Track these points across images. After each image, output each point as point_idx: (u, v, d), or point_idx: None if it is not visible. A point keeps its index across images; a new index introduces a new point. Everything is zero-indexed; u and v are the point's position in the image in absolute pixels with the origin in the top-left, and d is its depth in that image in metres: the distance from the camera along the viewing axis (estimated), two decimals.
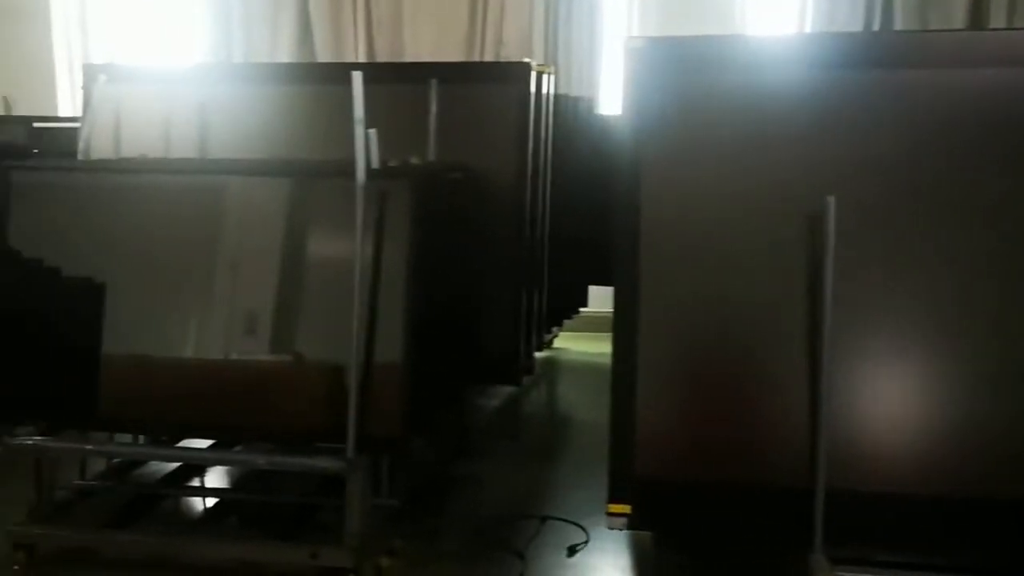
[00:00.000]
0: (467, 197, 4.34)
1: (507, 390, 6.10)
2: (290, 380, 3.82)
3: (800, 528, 3.12)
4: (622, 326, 3.33)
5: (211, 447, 4.40)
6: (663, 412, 3.27)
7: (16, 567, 3.83)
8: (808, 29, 7.39)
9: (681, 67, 3.42)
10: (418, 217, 3.69)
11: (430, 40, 7.75)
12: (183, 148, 4.77)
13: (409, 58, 7.68)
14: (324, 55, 7.85)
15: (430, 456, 4.63)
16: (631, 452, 3.20)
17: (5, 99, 7.50)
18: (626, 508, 3.25)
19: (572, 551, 3.93)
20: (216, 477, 4.81)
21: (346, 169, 3.61)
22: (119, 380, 3.92)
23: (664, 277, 3.31)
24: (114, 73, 4.90)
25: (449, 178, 4.22)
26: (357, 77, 3.53)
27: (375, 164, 3.66)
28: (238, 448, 4.31)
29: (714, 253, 3.29)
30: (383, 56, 7.80)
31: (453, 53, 7.70)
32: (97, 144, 4.64)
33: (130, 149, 4.67)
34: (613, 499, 3.27)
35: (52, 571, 3.86)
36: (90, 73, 4.96)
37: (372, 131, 3.63)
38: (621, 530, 3.36)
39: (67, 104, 8.43)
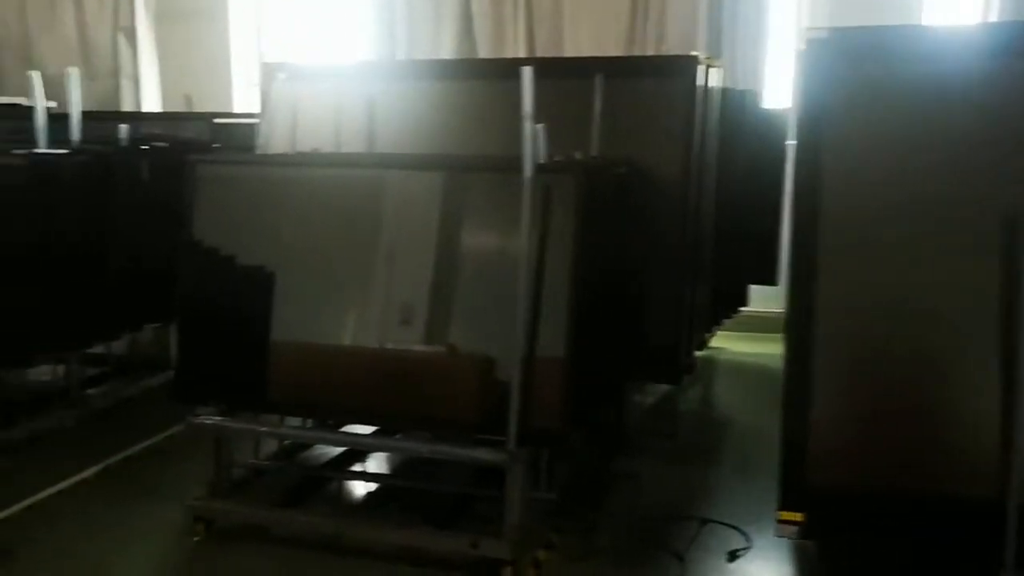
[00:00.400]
0: (631, 192, 4.29)
1: (662, 388, 6.01)
2: (450, 371, 3.88)
3: (988, 545, 2.93)
4: (797, 327, 3.20)
5: (373, 434, 4.52)
6: (840, 417, 3.14)
7: (196, 539, 4.05)
8: (994, 19, 6.95)
9: (862, 58, 3.28)
10: (583, 212, 3.67)
11: (590, 35, 7.71)
12: (354, 143, 4.91)
13: (569, 53, 7.67)
14: (485, 51, 7.94)
15: (587, 451, 4.61)
16: (804, 458, 3.08)
17: (187, 97, 7.93)
18: (798, 516, 3.14)
19: (733, 556, 3.83)
20: (374, 463, 4.94)
21: (512, 164, 3.63)
22: (289, 365, 4.07)
23: (844, 277, 3.17)
24: (290, 71, 5.10)
25: (614, 173, 4.19)
26: (527, 72, 3.54)
27: (542, 159, 3.66)
28: (398, 436, 4.41)
29: (898, 252, 3.13)
30: (543, 51, 7.81)
31: (613, 47, 7.63)
32: (275, 139, 4.84)
33: (305, 144, 4.84)
34: (784, 506, 3.16)
35: (228, 544, 4.06)
36: (268, 71, 5.18)
37: (540, 126, 3.63)
38: (792, 538, 3.25)
39: (241, 101, 8.84)
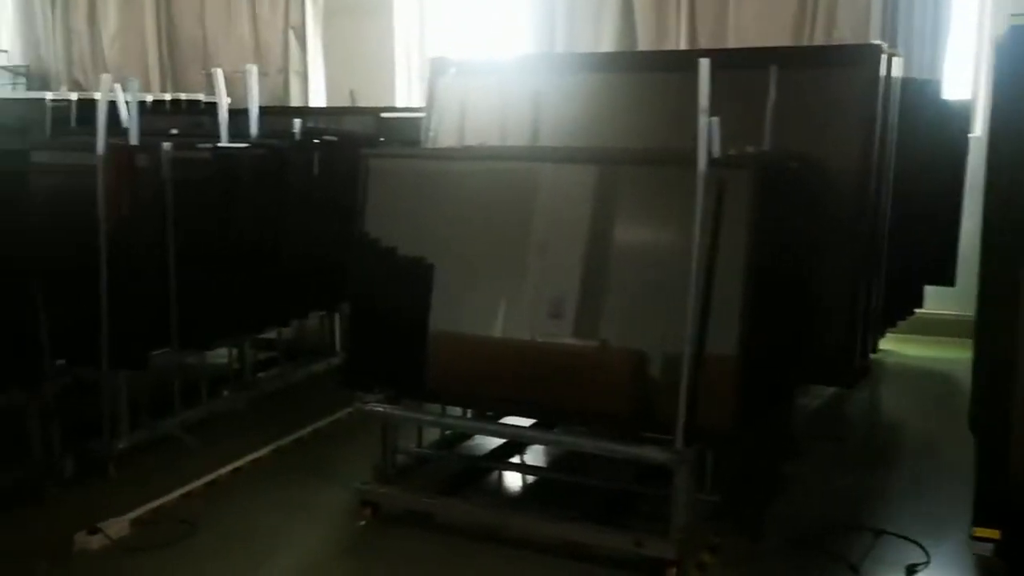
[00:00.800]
0: (805, 187, 4.14)
1: (827, 390, 5.80)
2: (613, 366, 3.84)
3: None
4: (994, 331, 3.00)
5: (533, 427, 4.54)
6: None
7: (362, 522, 4.17)
8: None
9: None
10: (758, 207, 3.57)
11: (755, 25, 7.49)
12: (519, 136, 4.94)
13: (733, 44, 7.47)
14: (645, 43, 7.84)
15: (753, 453, 4.49)
16: (1004, 473, 2.89)
17: (352, 91, 8.16)
18: (994, 533, 2.95)
19: (911, 572, 3.65)
20: (530, 455, 4.95)
21: (683, 157, 3.56)
22: (451, 356, 4.14)
23: None
24: (460, 66, 5.16)
25: (788, 167, 4.05)
26: (704, 64, 3.46)
27: (716, 153, 3.57)
28: (557, 430, 4.41)
29: None
30: (705, 43, 7.65)
31: (779, 38, 7.39)
32: (443, 133, 4.93)
33: (472, 138, 4.90)
34: (979, 521, 2.98)
35: (392, 529, 4.16)
36: (435, 66, 5.27)
37: (715, 119, 3.54)
38: (988, 556, 3.06)
39: (403, 95, 9.04)
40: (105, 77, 5.00)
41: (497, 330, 4.07)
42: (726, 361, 3.55)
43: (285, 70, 9.75)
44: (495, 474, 4.75)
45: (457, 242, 4.14)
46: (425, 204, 4.17)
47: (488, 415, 4.61)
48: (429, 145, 4.93)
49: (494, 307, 4.10)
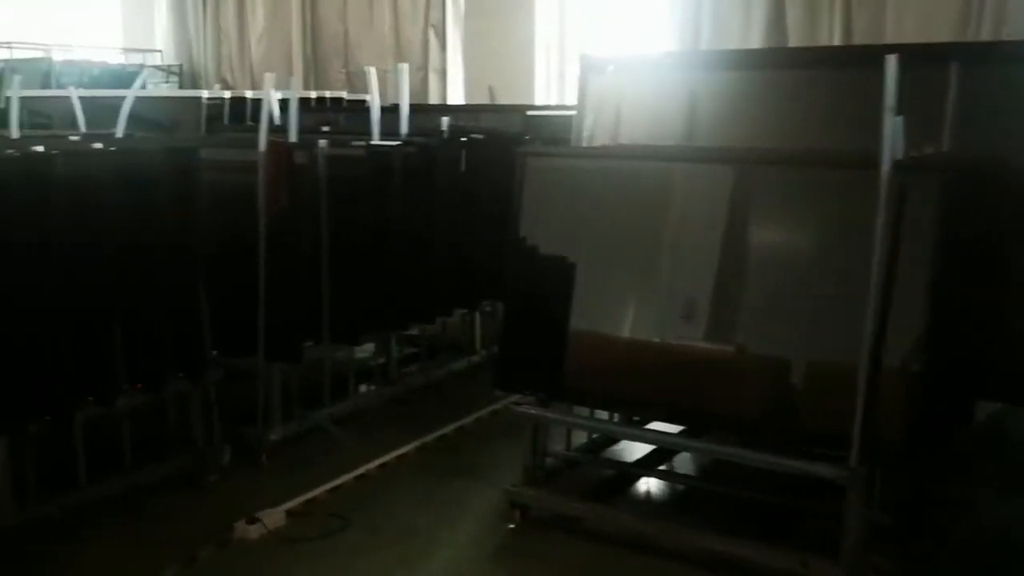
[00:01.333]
0: (990, 191, 3.88)
1: (991, 407, 5.45)
2: (775, 376, 3.69)
3: None
4: None
5: (683, 434, 4.40)
6: None
7: (511, 525, 4.13)
8: None
9: None
10: (945, 213, 3.36)
11: (915, 20, 7.15)
12: (673, 135, 4.81)
13: (890, 39, 7.15)
14: (796, 39, 7.58)
15: (922, 472, 4.25)
16: None
17: (491, 89, 8.17)
18: None
19: None
20: (677, 463, 4.82)
21: (866, 159, 3.38)
22: (604, 359, 4.05)
23: None
24: (616, 63, 5.06)
25: (972, 170, 3.80)
26: (892, 61, 3.27)
27: (900, 155, 3.37)
28: (707, 438, 4.27)
29: None
30: (860, 38, 7.35)
31: (940, 34, 7.04)
32: (598, 131, 4.84)
33: (627, 136, 4.80)
34: None
35: (541, 532, 4.10)
36: (587, 63, 5.17)
37: (899, 119, 3.34)
38: None
39: (542, 92, 9.02)
40: (268, 76, 5.13)
41: (654, 334, 3.97)
42: (904, 375, 3.36)
43: (424, 67, 9.88)
44: (643, 481, 4.64)
45: (615, 243, 4.05)
46: (583, 204, 4.10)
47: (635, 420, 4.51)
48: (582, 143, 4.85)
49: (650, 310, 4.00)
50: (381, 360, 5.91)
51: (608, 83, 4.93)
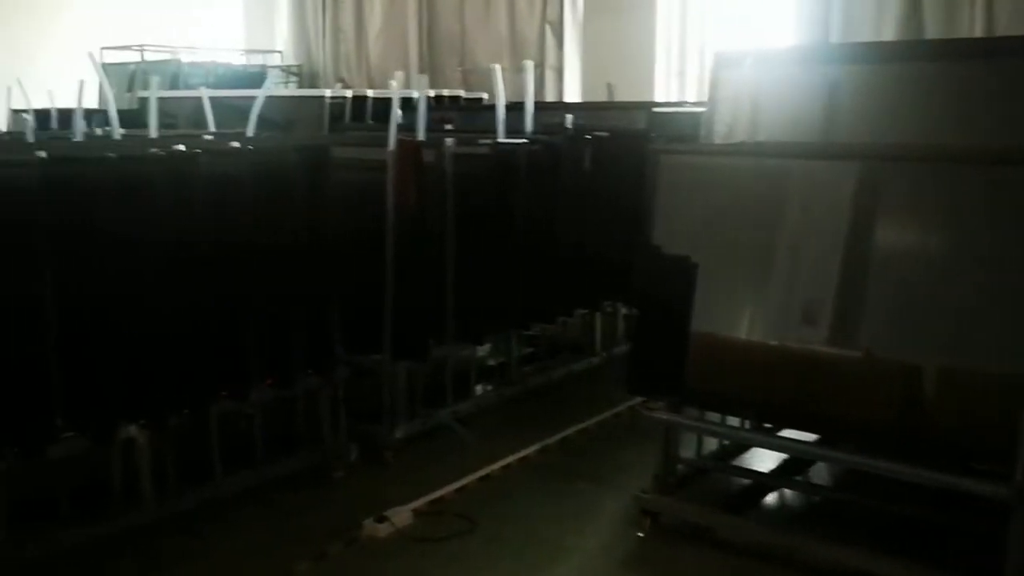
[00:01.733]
0: None
1: None
2: (923, 386, 3.48)
3: None
4: None
5: (818, 442, 4.21)
6: None
7: (641, 533, 4.02)
8: None
9: None
10: None
11: None
12: (812, 131, 4.61)
13: None
14: (933, 29, 7.23)
15: None
16: None
17: (610, 86, 8.05)
18: None
19: None
20: (814, 473, 4.63)
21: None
22: (739, 364, 3.90)
23: None
24: (747, 57, 4.89)
25: None
26: None
27: None
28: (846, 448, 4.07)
29: None
30: (1004, 29, 6.96)
31: None
32: (730, 127, 4.68)
33: (763, 133, 4.62)
34: None
35: (673, 542, 3.99)
36: (721, 59, 5.00)
37: None
38: None
39: (662, 89, 8.85)
40: (398, 75, 5.15)
41: (796, 339, 3.79)
42: None
43: (540, 65, 9.81)
44: (777, 490, 4.47)
45: (753, 242, 3.89)
46: (721, 202, 3.95)
47: (768, 427, 4.34)
48: (713, 140, 4.69)
49: (792, 313, 3.83)
50: (501, 359, 5.86)
51: (743, 79, 4.75)
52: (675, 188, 4.08)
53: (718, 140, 4.59)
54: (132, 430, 3.82)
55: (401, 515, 4.13)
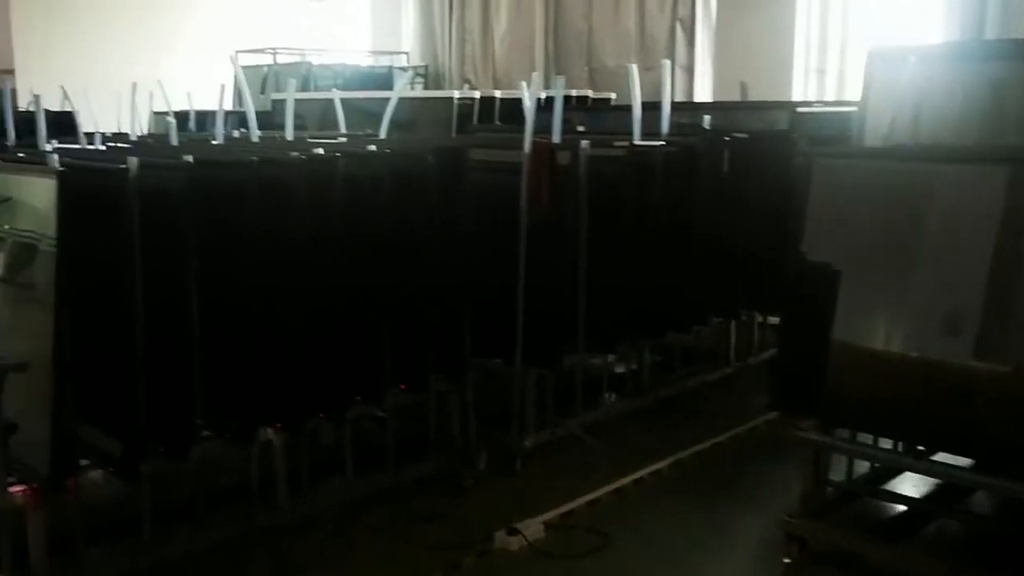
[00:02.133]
0: None
1: None
2: None
3: None
4: None
5: (976, 468, 3.90)
6: None
7: (787, 560, 3.80)
8: None
9: None
10: None
11: None
12: (978, 133, 4.29)
13: None
14: None
15: None
16: None
17: (743, 85, 7.76)
18: None
19: None
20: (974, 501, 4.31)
21: None
22: (896, 383, 3.63)
23: None
24: (908, 54, 4.60)
25: None
26: None
27: None
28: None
29: None
30: None
31: None
32: (876, 127, 4.41)
33: (925, 135, 4.33)
34: None
35: (820, 570, 3.76)
36: (875, 58, 4.72)
37: None
38: None
39: (800, 88, 8.50)
40: (535, 76, 5.03)
41: (956, 357, 3.50)
42: None
43: (671, 64, 9.57)
44: (934, 518, 4.17)
45: (913, 253, 3.61)
46: (883, 209, 3.68)
47: (922, 450, 4.05)
48: (869, 143, 4.42)
49: (947, 327, 3.54)
50: (632, 368, 5.69)
51: (900, 77, 4.46)
52: (829, 193, 3.83)
53: (873, 142, 4.32)
54: (269, 432, 3.83)
55: (532, 527, 4.03)
